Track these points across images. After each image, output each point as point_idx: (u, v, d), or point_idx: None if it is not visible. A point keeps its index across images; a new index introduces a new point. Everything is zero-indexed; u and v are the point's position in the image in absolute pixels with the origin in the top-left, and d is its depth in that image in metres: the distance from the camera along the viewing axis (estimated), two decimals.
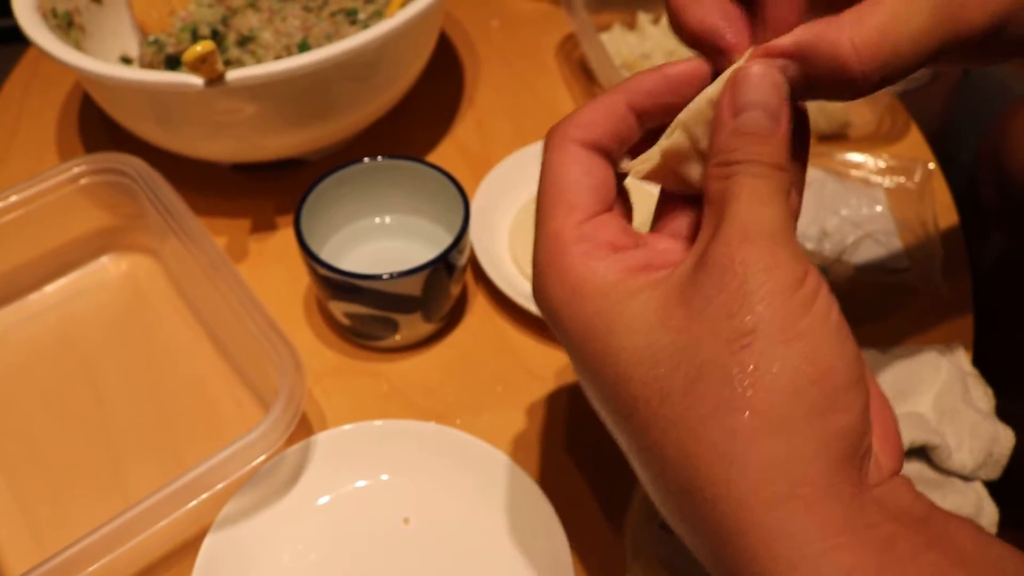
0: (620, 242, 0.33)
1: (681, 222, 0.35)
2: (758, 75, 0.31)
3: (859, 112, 0.77)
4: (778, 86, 0.31)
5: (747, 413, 0.27)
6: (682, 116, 0.33)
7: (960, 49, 0.32)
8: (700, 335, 0.28)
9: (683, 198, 0.35)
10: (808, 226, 0.68)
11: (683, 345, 0.28)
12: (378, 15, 0.73)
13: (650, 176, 0.34)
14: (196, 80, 0.58)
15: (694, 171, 0.33)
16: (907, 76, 0.31)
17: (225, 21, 0.72)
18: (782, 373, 0.27)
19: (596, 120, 0.34)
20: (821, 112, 0.75)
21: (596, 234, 0.32)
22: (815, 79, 0.31)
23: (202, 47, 0.54)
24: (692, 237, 0.34)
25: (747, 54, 0.32)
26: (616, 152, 0.34)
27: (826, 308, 0.29)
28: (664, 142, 0.33)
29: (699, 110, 0.32)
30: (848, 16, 0.31)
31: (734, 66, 0.32)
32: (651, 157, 0.33)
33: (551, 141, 0.34)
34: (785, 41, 0.31)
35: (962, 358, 0.60)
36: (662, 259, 0.32)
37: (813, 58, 0.31)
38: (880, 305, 0.64)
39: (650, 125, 0.35)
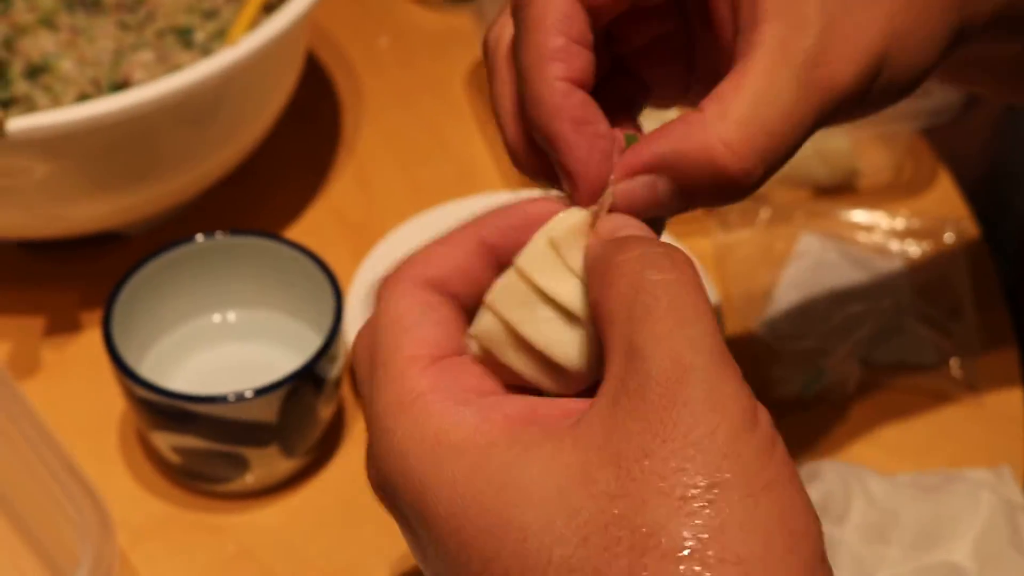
0: (486, 387, 0.34)
1: None
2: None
3: (870, 156, 0.79)
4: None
5: None
6: (491, 293, 0.35)
7: (842, 109, 0.37)
8: (644, 497, 0.29)
9: None
10: (804, 313, 0.70)
11: (621, 513, 0.29)
12: (221, 36, 0.75)
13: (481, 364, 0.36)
14: None
15: (517, 361, 0.35)
16: (791, 156, 0.36)
17: (8, 44, 0.73)
18: (754, 538, 0.29)
19: (438, 256, 0.36)
20: (819, 158, 0.77)
21: (455, 377, 0.34)
22: (691, 189, 0.36)
23: None
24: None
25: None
26: (465, 297, 0.37)
27: (786, 453, 0.31)
28: (471, 328, 0.36)
29: (510, 283, 0.35)
30: (710, 111, 0.35)
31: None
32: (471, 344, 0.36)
33: (383, 285, 0.36)
34: (644, 154, 0.35)
35: (1011, 484, 0.62)
36: (549, 407, 0.33)
37: (683, 167, 0.35)
38: (900, 415, 0.66)
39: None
